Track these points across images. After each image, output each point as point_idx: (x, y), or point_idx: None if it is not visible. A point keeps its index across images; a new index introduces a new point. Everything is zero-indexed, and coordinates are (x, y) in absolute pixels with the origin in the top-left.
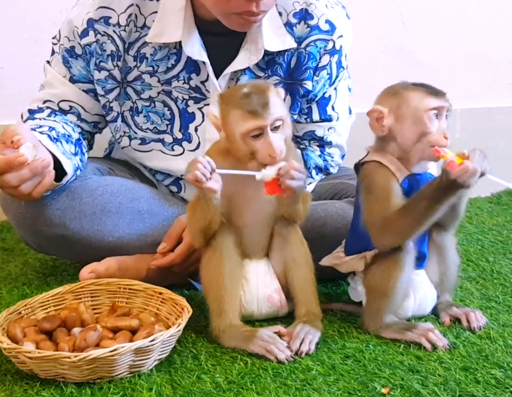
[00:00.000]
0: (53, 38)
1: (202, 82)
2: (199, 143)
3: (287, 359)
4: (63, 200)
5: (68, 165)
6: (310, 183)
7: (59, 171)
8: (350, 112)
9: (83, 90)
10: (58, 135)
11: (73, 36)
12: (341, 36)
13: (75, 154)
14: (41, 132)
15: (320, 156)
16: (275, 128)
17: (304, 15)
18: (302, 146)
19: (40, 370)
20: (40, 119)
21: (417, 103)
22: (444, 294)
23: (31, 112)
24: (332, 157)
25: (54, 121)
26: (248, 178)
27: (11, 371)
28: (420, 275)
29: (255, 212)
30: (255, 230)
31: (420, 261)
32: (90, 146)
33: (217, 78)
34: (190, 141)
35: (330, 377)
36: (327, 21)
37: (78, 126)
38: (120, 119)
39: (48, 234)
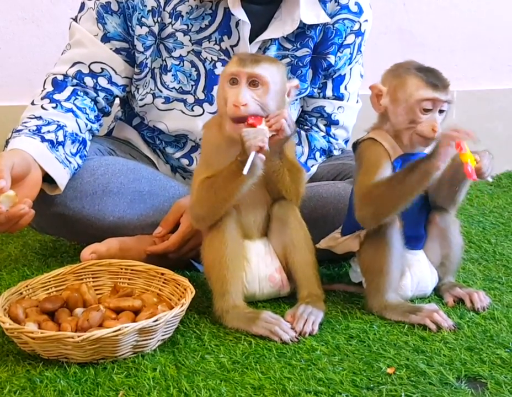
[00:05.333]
0: None
1: (232, 47)
2: None
3: (291, 340)
4: None
5: (64, 176)
6: (313, 165)
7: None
8: (357, 101)
9: (116, 49)
10: (65, 135)
11: None
12: (366, 20)
13: (76, 153)
14: (43, 136)
15: (324, 137)
16: (252, 85)
17: None
18: (307, 126)
19: (43, 350)
20: (57, 105)
21: (412, 90)
22: (448, 276)
23: (55, 84)
24: (337, 139)
25: (71, 109)
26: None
27: (13, 352)
28: (417, 255)
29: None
30: (250, 205)
31: (417, 241)
32: (107, 114)
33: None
34: (211, 103)
35: (335, 358)
36: (356, 4)
37: (105, 94)
38: (149, 75)
39: (49, 213)
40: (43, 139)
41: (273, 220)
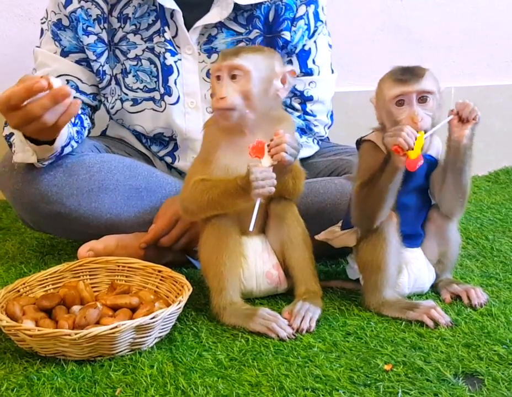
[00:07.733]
0: (42, 19)
1: (173, 37)
2: (179, 96)
3: (288, 337)
4: (60, 177)
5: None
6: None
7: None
8: (332, 71)
9: (76, 61)
10: None
11: (58, 9)
12: None
13: (73, 125)
14: None
15: (300, 116)
16: (233, 77)
17: None
18: None
19: (40, 348)
20: None
21: (385, 93)
22: (445, 273)
23: None
24: (315, 115)
25: None
26: (244, 150)
27: (10, 350)
28: (414, 252)
29: None
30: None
31: (415, 239)
32: (92, 123)
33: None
34: (170, 95)
35: (332, 354)
36: None
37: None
38: (113, 82)
39: (45, 211)
40: None
41: (271, 217)
